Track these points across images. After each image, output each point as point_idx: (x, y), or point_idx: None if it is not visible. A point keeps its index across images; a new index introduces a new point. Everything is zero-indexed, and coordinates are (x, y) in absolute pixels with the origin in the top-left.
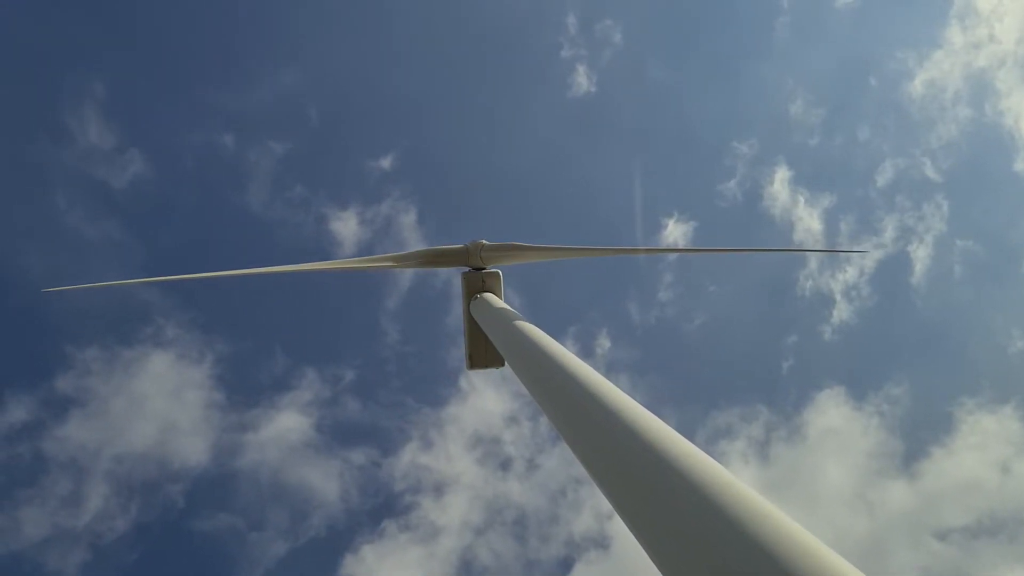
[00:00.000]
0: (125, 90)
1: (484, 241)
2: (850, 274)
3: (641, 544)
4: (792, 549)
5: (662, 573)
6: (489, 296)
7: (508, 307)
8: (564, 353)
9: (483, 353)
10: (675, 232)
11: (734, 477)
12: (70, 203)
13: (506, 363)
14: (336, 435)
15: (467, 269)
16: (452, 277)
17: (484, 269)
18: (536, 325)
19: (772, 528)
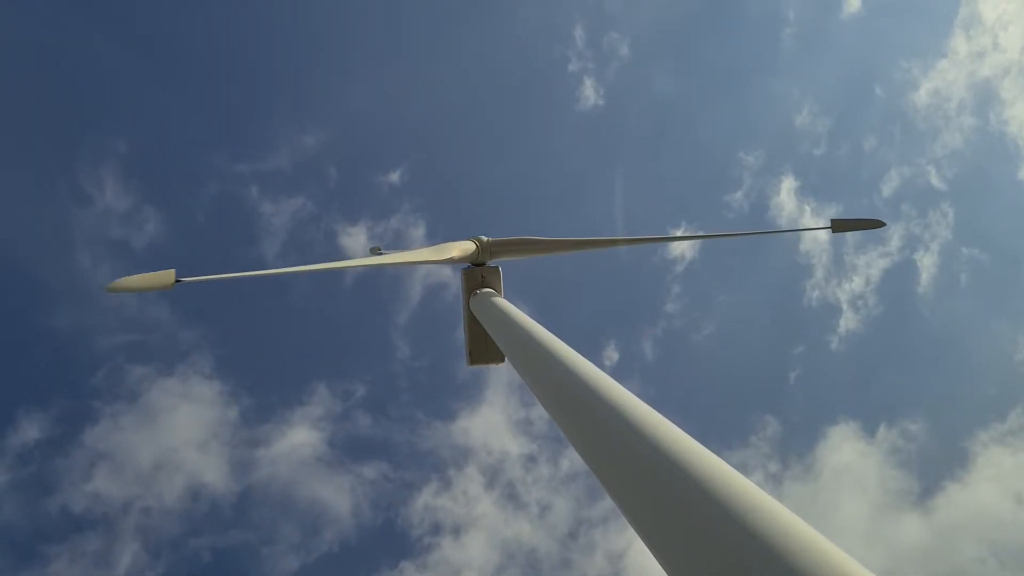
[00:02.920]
0: (137, 149)
1: (484, 237)
2: (857, 284)
3: (643, 540)
4: (794, 543)
5: (664, 568)
6: (489, 292)
7: (508, 303)
8: (564, 348)
9: (483, 349)
10: (682, 243)
11: (737, 472)
12: (95, 262)
13: (506, 359)
14: (347, 450)
15: (467, 265)
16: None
17: (484, 265)
18: (536, 320)
19: (774, 523)
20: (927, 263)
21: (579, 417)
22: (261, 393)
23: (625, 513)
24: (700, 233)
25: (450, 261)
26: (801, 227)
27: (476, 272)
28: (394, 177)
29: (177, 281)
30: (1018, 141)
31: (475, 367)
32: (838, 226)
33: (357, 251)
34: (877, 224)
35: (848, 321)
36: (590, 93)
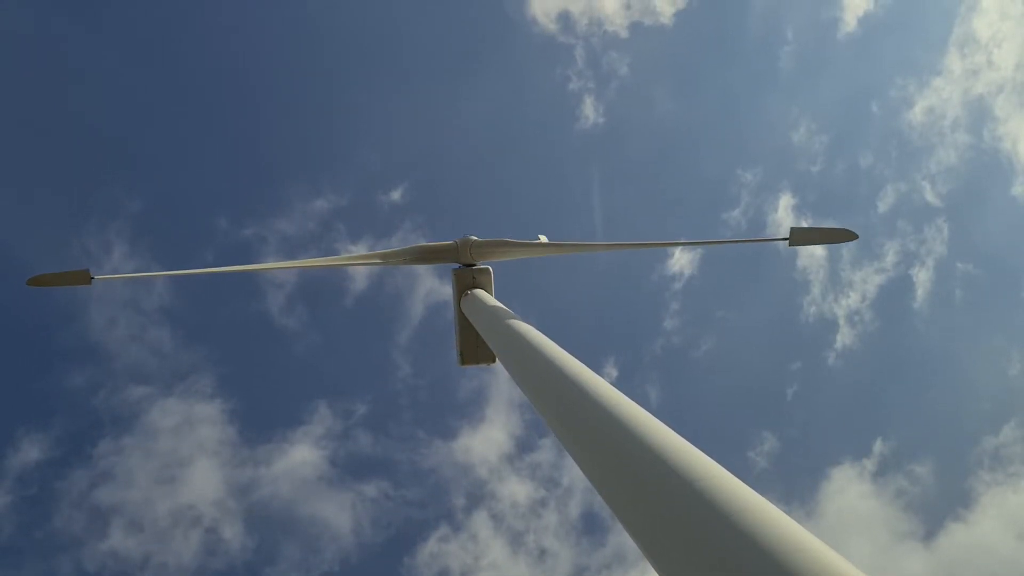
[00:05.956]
0: (143, 209)
1: (474, 237)
2: (853, 299)
3: (634, 539)
4: (787, 543)
5: (655, 568)
6: (480, 292)
7: (499, 303)
8: (554, 348)
9: (474, 349)
10: (682, 259)
11: (728, 473)
12: (109, 321)
13: (497, 359)
14: (348, 468)
15: (458, 266)
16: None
17: (475, 266)
18: (526, 321)
19: (767, 523)
20: (922, 278)
21: (569, 415)
22: (262, 412)
23: (614, 510)
24: (682, 240)
25: (435, 261)
26: (765, 237)
27: (467, 273)
28: (395, 196)
29: (93, 278)
30: (1012, 157)
31: (467, 366)
32: (796, 238)
33: (357, 270)
34: (847, 236)
35: (845, 336)
36: (590, 112)
